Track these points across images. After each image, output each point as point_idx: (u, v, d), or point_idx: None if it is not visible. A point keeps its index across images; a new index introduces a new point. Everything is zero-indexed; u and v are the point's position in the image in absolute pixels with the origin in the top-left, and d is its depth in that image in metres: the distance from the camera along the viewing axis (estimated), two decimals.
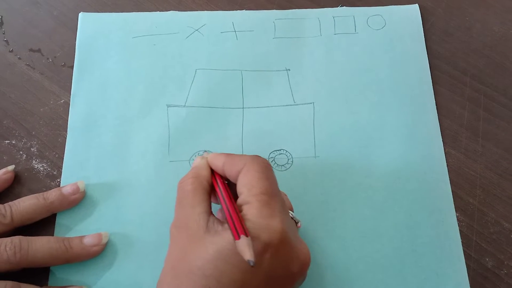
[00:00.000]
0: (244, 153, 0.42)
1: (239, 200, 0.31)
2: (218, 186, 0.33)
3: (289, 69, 0.45)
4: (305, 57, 0.46)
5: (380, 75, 0.45)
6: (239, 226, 0.28)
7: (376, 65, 0.45)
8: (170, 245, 0.31)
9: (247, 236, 0.28)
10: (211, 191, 0.33)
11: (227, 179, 0.34)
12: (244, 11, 0.48)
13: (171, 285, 0.29)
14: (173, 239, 0.31)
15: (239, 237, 0.28)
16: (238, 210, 0.30)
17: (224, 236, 0.29)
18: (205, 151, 0.42)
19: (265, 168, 0.32)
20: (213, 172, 0.34)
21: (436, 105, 0.44)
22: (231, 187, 0.33)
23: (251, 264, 0.27)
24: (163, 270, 0.31)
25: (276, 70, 0.45)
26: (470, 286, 0.37)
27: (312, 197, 0.40)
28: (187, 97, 0.44)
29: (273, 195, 0.31)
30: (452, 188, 0.41)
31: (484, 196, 0.41)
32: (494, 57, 0.46)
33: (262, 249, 0.28)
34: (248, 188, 0.31)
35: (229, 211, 0.30)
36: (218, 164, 0.34)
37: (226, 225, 0.30)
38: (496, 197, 0.41)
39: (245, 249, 0.27)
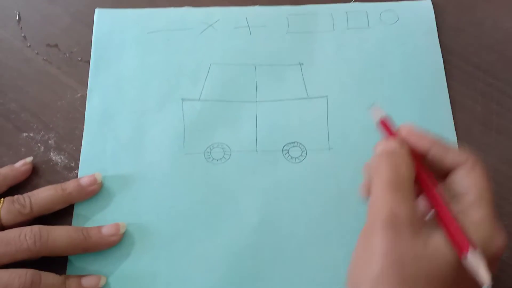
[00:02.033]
0: (258, 146, 0.42)
1: (463, 203, 0.28)
2: (429, 187, 0.29)
3: (302, 63, 0.46)
4: (318, 52, 0.46)
5: (393, 69, 0.45)
6: (465, 239, 0.25)
7: (389, 59, 0.46)
8: (384, 234, 0.27)
9: (475, 248, 0.25)
10: None
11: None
12: (257, 6, 0.48)
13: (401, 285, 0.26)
14: (388, 232, 0.27)
15: (465, 251, 0.25)
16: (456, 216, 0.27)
17: (449, 255, 0.26)
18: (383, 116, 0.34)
19: (487, 173, 0.29)
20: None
21: (450, 100, 0.44)
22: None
23: (488, 285, 0.24)
24: (376, 262, 0.26)
25: (289, 64, 0.46)
26: None
27: (325, 189, 0.40)
28: (202, 91, 0.44)
29: (495, 208, 0.28)
30: None
31: (498, 189, 0.40)
32: (506, 52, 0.47)
33: (489, 263, 0.25)
34: (478, 193, 0.28)
35: (448, 216, 0.27)
36: (423, 144, 0.30)
37: (443, 236, 0.27)
38: (510, 190, 0.41)
39: (478, 267, 0.25)
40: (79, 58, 0.46)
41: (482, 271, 0.24)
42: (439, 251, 0.26)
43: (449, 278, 0.26)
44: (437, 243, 0.26)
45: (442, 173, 0.30)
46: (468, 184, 0.28)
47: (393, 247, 0.26)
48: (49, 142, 0.43)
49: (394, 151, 0.30)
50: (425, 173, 0.30)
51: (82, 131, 0.43)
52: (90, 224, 0.39)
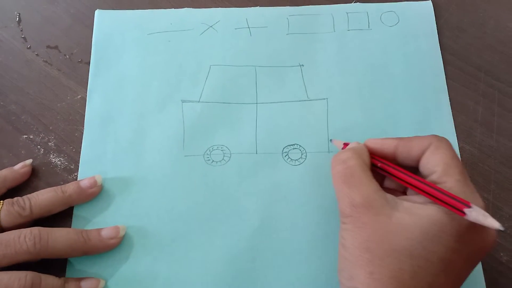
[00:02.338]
0: (258, 148, 0.42)
1: (432, 179, 0.31)
2: (393, 167, 0.32)
3: (302, 65, 0.45)
4: (318, 53, 0.46)
5: (394, 71, 0.45)
6: (460, 198, 0.28)
7: (389, 61, 0.45)
8: (348, 226, 0.30)
9: (470, 206, 0.27)
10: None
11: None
12: (258, 7, 0.48)
13: (371, 266, 0.28)
14: (353, 220, 0.30)
15: (465, 207, 0.27)
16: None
17: (424, 215, 0.29)
18: (344, 143, 0.38)
19: (451, 146, 0.32)
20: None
21: (450, 101, 0.44)
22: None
23: (502, 229, 0.26)
24: (347, 252, 0.30)
25: (290, 66, 0.45)
26: (485, 281, 0.37)
27: (326, 191, 0.40)
28: (202, 93, 0.44)
29: (467, 175, 0.31)
30: None
31: (499, 191, 0.41)
32: (508, 53, 0.46)
33: (469, 226, 0.28)
34: (443, 167, 0.30)
35: (431, 186, 0.29)
36: (388, 148, 0.33)
37: (414, 204, 0.29)
38: (511, 192, 0.40)
39: (485, 217, 0.26)
40: (79, 60, 0.46)
41: (489, 218, 0.26)
42: (404, 222, 0.29)
43: (417, 244, 0.28)
44: (400, 216, 0.29)
45: (415, 167, 0.33)
46: (435, 161, 0.31)
47: (357, 234, 0.29)
48: (49, 144, 0.43)
49: (343, 153, 0.33)
50: (394, 165, 0.33)
51: (82, 133, 0.43)
52: (90, 226, 0.39)
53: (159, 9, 0.48)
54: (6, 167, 0.41)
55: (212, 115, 0.43)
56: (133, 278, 0.37)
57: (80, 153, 0.42)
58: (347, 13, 0.48)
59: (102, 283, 0.37)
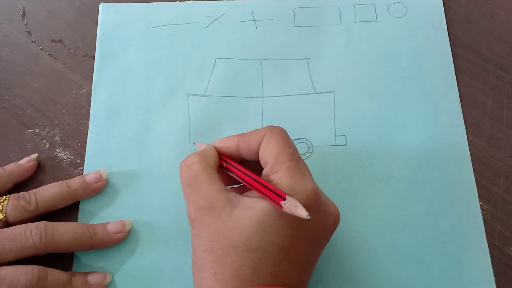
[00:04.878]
0: None
1: (266, 169, 0.31)
2: (232, 166, 0.33)
3: (309, 58, 0.45)
4: (325, 46, 0.45)
5: (402, 63, 0.44)
6: (277, 191, 0.29)
7: (397, 53, 0.45)
8: (195, 230, 0.31)
9: (284, 197, 0.28)
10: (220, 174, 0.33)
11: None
12: (263, 0, 0.48)
13: (215, 267, 0.29)
14: (198, 224, 0.31)
15: (281, 200, 0.28)
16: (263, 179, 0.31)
17: (258, 208, 0.29)
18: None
19: (286, 135, 0.33)
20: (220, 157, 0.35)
21: (459, 93, 0.43)
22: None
23: (309, 218, 0.27)
24: (195, 256, 0.30)
25: (296, 59, 0.45)
26: (494, 275, 0.37)
27: (332, 186, 0.40)
28: (207, 86, 0.44)
29: (299, 159, 0.32)
30: (476, 177, 0.40)
31: (508, 185, 0.40)
32: None
33: (305, 206, 0.28)
34: (274, 157, 0.31)
35: (257, 181, 0.30)
36: (231, 145, 0.34)
37: (252, 198, 0.30)
38: None
39: (296, 208, 0.27)
40: (84, 54, 0.46)
41: (300, 209, 0.27)
42: (241, 217, 0.29)
43: (255, 237, 0.28)
44: (239, 212, 0.29)
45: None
46: (268, 152, 0.32)
47: (201, 237, 0.30)
48: (55, 138, 0.42)
49: (189, 158, 0.33)
50: (234, 163, 0.33)
51: (88, 127, 0.42)
52: (96, 220, 0.39)
53: (164, 2, 0.48)
54: (12, 161, 0.41)
55: (217, 109, 0.43)
56: (139, 272, 0.37)
57: (85, 147, 0.42)
58: (354, 5, 0.47)
59: (108, 277, 0.37)
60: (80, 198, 0.39)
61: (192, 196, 0.31)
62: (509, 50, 0.45)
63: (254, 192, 0.31)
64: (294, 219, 0.28)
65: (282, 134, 0.32)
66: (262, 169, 0.32)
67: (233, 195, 0.31)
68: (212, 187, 0.31)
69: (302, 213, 0.27)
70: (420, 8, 0.47)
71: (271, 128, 0.33)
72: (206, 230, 0.30)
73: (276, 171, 0.31)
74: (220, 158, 0.34)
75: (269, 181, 0.31)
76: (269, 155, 0.31)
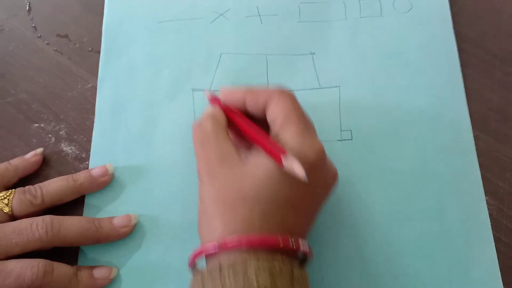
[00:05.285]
0: None
1: (275, 128, 0.33)
2: (238, 119, 0.34)
3: (314, 53, 0.45)
4: (330, 41, 0.45)
5: (407, 58, 0.44)
6: (278, 148, 0.30)
7: (403, 48, 0.45)
8: (204, 182, 0.32)
9: (285, 154, 0.29)
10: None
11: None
12: None
13: (226, 216, 0.30)
14: (208, 176, 0.32)
15: (282, 158, 0.29)
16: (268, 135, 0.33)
17: (268, 162, 0.30)
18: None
19: (295, 98, 0.34)
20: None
21: (465, 88, 0.43)
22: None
23: (305, 179, 0.29)
24: (204, 206, 0.32)
25: (301, 54, 0.45)
26: (500, 269, 0.37)
27: (338, 181, 0.40)
28: (212, 82, 0.44)
29: (308, 121, 0.33)
30: (482, 172, 0.40)
31: None
32: None
33: (310, 168, 0.30)
34: (284, 116, 0.32)
35: (260, 136, 0.32)
36: (237, 98, 0.35)
37: (261, 152, 0.31)
38: None
39: (294, 167, 0.29)
40: (90, 48, 0.46)
41: (297, 168, 0.29)
42: (251, 170, 0.31)
43: (264, 188, 0.30)
44: (249, 166, 0.31)
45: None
46: (276, 112, 0.33)
47: (212, 189, 0.31)
48: (60, 133, 0.42)
49: (202, 120, 0.35)
50: (242, 119, 0.34)
51: (93, 122, 0.43)
52: (102, 215, 0.39)
53: None
54: (18, 156, 0.41)
55: None
56: (145, 266, 0.37)
57: (91, 142, 0.42)
58: (359, 0, 0.47)
59: (114, 271, 0.37)
60: (86, 192, 0.39)
61: (204, 154, 0.33)
62: None
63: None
64: None
65: (293, 97, 0.34)
66: (264, 126, 0.34)
67: (243, 151, 0.33)
68: (223, 145, 0.33)
69: (300, 173, 0.29)
70: (426, 3, 0.47)
71: (281, 89, 0.34)
72: (217, 182, 0.31)
73: (286, 130, 0.32)
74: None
75: (278, 140, 0.32)
76: (279, 114, 0.33)
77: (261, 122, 0.34)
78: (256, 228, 0.30)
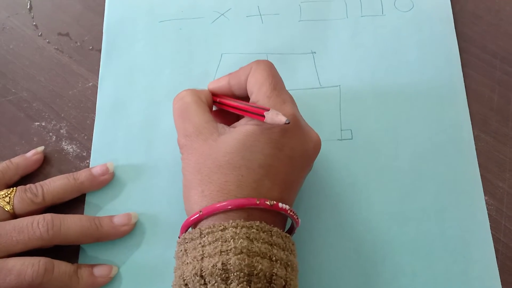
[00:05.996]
0: None
1: (252, 99, 0.34)
2: (224, 99, 0.36)
3: (315, 52, 0.45)
4: (331, 40, 0.45)
5: (408, 58, 0.44)
6: (260, 107, 0.32)
7: (404, 47, 0.45)
8: (184, 156, 0.34)
9: (267, 109, 0.31)
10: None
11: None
12: None
13: (202, 185, 0.32)
14: (187, 149, 0.33)
15: (264, 112, 0.31)
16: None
17: (241, 130, 0.32)
18: None
19: (270, 67, 0.35)
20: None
21: (466, 88, 0.43)
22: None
23: (288, 122, 0.30)
24: (185, 179, 0.33)
25: (302, 53, 0.45)
26: (499, 269, 0.37)
27: (338, 180, 0.40)
28: None
29: (281, 89, 0.35)
30: (481, 172, 0.40)
31: None
32: None
33: (280, 133, 0.32)
34: (257, 87, 0.34)
35: (243, 103, 0.34)
36: (223, 84, 0.37)
37: (237, 127, 0.33)
38: None
39: (277, 116, 0.30)
40: (91, 47, 0.46)
41: (279, 116, 0.30)
42: (226, 140, 0.32)
43: (237, 156, 0.31)
44: (224, 137, 0.32)
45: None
46: (252, 83, 0.34)
47: (190, 160, 0.33)
48: (61, 131, 0.43)
49: (182, 92, 0.37)
50: (227, 98, 0.37)
51: (94, 121, 0.43)
52: (102, 213, 0.39)
53: None
54: (19, 154, 0.41)
55: None
56: (145, 264, 0.37)
57: (92, 140, 0.42)
58: None
59: (114, 269, 0.37)
60: (87, 190, 0.39)
61: (182, 125, 0.34)
62: None
63: (239, 122, 0.34)
64: (271, 140, 0.32)
65: (267, 66, 0.35)
66: None
67: (221, 125, 0.34)
68: (201, 117, 0.34)
69: (282, 119, 0.30)
70: (427, 2, 0.47)
71: (258, 61, 0.36)
72: (194, 153, 0.33)
73: (258, 100, 0.33)
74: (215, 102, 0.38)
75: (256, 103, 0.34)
76: (254, 85, 0.34)
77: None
78: (231, 195, 0.31)
